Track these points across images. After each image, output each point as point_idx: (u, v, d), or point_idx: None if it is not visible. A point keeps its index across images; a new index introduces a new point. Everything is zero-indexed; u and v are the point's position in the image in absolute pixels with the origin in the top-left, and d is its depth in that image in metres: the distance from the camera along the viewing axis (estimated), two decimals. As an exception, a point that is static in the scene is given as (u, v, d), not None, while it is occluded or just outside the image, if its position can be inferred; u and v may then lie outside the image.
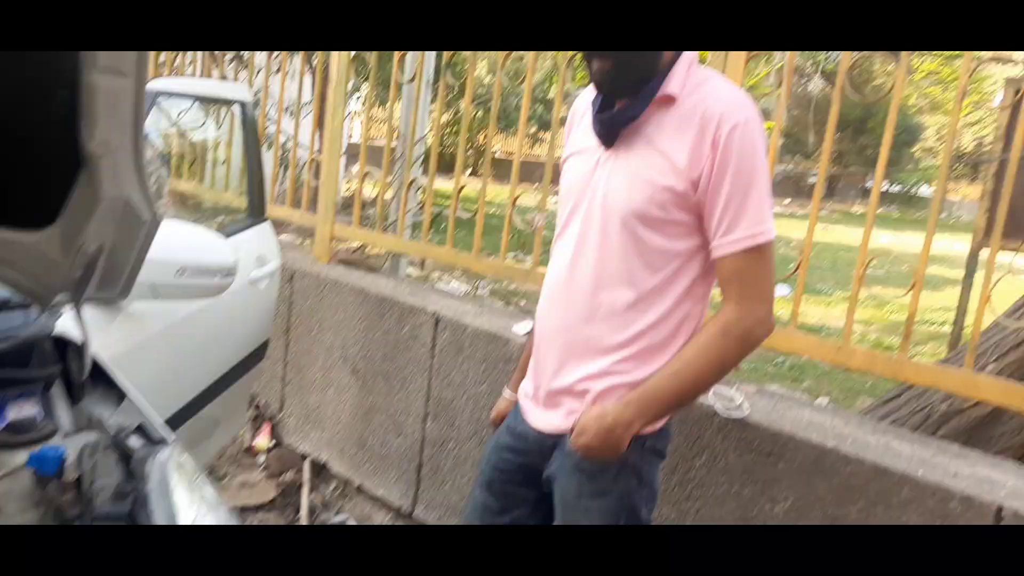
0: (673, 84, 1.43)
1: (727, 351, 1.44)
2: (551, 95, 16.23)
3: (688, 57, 1.46)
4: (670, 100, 1.43)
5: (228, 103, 3.13)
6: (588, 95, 1.61)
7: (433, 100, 3.45)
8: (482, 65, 8.00)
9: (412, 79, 3.29)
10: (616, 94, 1.48)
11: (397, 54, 3.25)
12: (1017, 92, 3.23)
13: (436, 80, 3.48)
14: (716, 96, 1.42)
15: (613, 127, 1.48)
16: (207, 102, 3.20)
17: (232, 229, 2.92)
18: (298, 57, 4.90)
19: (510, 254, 3.06)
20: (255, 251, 2.92)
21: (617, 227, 1.47)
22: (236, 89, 3.04)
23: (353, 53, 3.46)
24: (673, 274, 1.47)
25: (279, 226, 3.63)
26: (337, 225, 3.65)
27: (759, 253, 1.40)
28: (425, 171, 3.28)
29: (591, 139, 1.54)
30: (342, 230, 3.64)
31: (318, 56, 3.69)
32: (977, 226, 3.38)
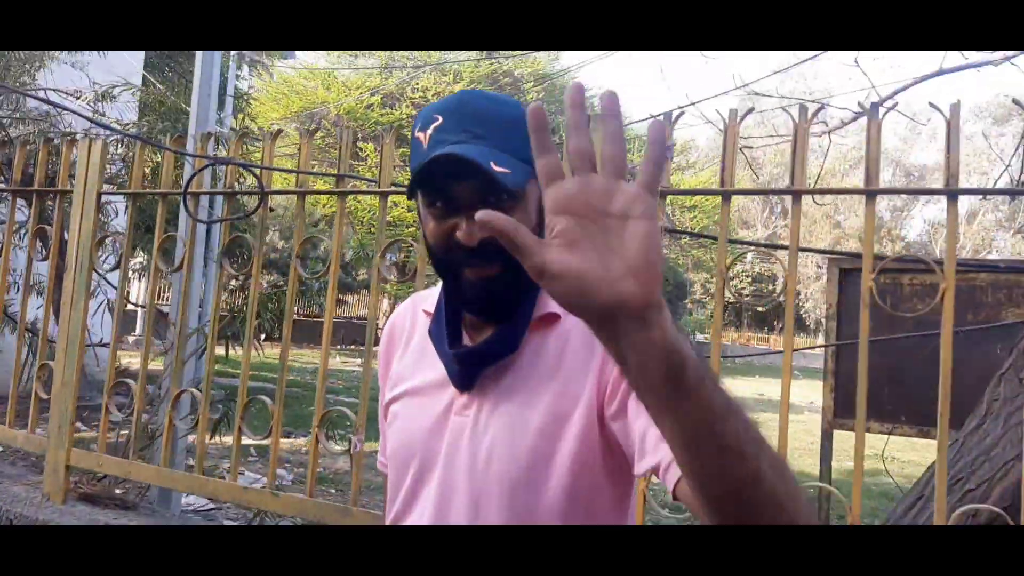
0: (553, 301, 0.99)
1: (793, 488, 0.75)
2: (348, 258, 15.97)
3: None
4: (552, 320, 1.05)
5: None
6: (410, 310, 1.20)
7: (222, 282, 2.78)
8: (273, 234, 7.40)
9: (179, 267, 2.62)
10: (497, 312, 1.05)
11: (158, 238, 2.56)
12: (841, 271, 3.17)
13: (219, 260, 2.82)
14: None
15: (480, 365, 1.04)
16: None
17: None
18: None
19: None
20: (-61, 508, 2.09)
21: (501, 505, 1.01)
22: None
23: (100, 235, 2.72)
24: None
25: None
26: (76, 450, 2.75)
27: None
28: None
29: (430, 374, 1.09)
30: (83, 457, 2.75)
31: (51, 232, 2.90)
32: (825, 406, 3.18)
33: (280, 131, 2.49)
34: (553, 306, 1.03)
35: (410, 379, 1.12)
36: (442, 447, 1.04)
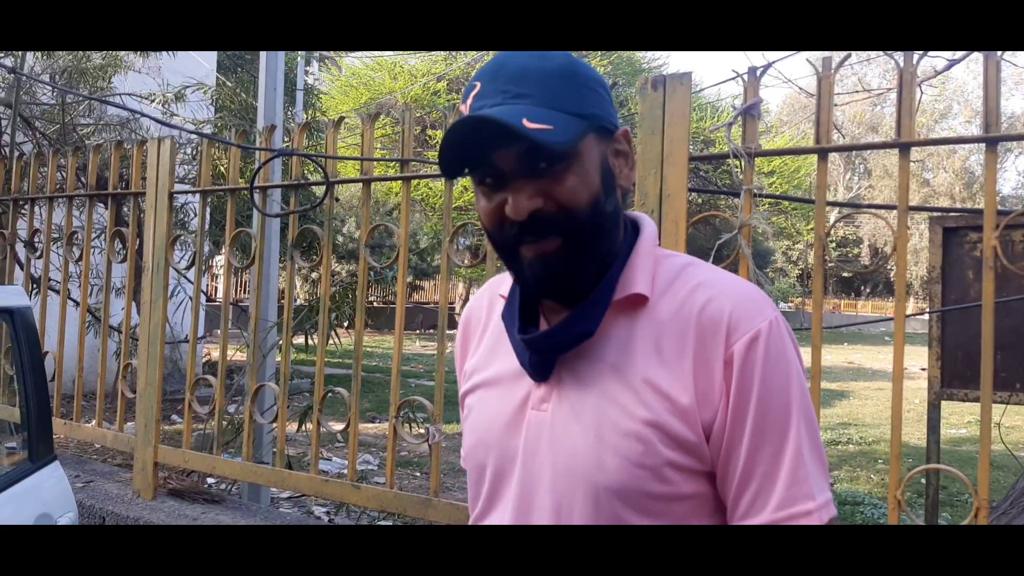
0: (639, 279, 0.92)
1: None
2: (423, 245, 16.11)
3: (649, 239, 0.96)
4: (638, 302, 0.92)
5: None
6: (487, 297, 1.11)
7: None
8: (350, 224, 7.48)
9: (251, 262, 2.60)
10: (564, 293, 0.93)
11: (229, 234, 2.55)
12: (945, 231, 2.91)
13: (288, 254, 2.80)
14: (716, 290, 0.90)
15: (553, 351, 0.92)
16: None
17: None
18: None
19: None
20: (35, 509, 2.20)
21: (586, 515, 0.89)
22: (2, 294, 2.25)
23: (175, 234, 2.74)
24: None
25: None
26: (163, 447, 2.80)
27: None
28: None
29: (505, 364, 0.99)
30: (169, 455, 2.79)
31: (130, 232, 2.93)
32: (932, 376, 2.95)
33: (342, 119, 2.43)
34: (640, 285, 0.91)
35: (485, 369, 1.02)
36: (519, 446, 0.94)
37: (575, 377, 0.91)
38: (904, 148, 1.57)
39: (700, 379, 0.86)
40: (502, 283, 1.05)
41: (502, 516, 0.96)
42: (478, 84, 0.89)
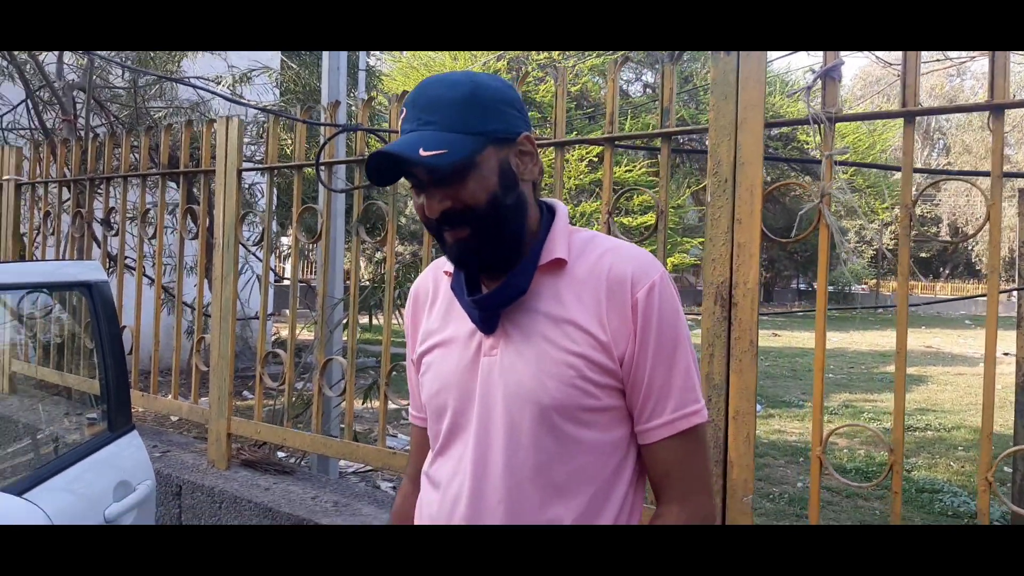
0: (558, 247, 1.17)
1: None
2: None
3: (563, 218, 1.22)
4: (559, 265, 1.17)
5: (70, 287, 2.39)
6: (431, 275, 1.34)
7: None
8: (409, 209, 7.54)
9: (317, 238, 2.63)
10: (483, 267, 1.19)
11: (296, 211, 2.57)
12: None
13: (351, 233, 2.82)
14: (619, 255, 1.17)
15: (495, 307, 1.17)
16: (41, 290, 2.46)
17: (78, 453, 2.21)
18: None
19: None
20: (115, 476, 2.26)
21: (532, 431, 1.14)
22: (81, 269, 2.32)
23: (244, 211, 2.78)
24: (614, 473, 1.16)
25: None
26: (236, 419, 2.87)
27: (696, 436, 1.16)
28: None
29: (459, 326, 1.23)
30: (242, 426, 2.85)
31: (200, 210, 3.00)
32: (1020, 357, 2.79)
33: (405, 92, 2.42)
34: (559, 251, 1.14)
35: (440, 332, 1.23)
36: (476, 386, 1.16)
37: (516, 327, 1.14)
38: (997, 110, 1.47)
39: (614, 321, 1.11)
40: (445, 263, 1.26)
41: (466, 441, 1.16)
42: (404, 110, 1.12)
